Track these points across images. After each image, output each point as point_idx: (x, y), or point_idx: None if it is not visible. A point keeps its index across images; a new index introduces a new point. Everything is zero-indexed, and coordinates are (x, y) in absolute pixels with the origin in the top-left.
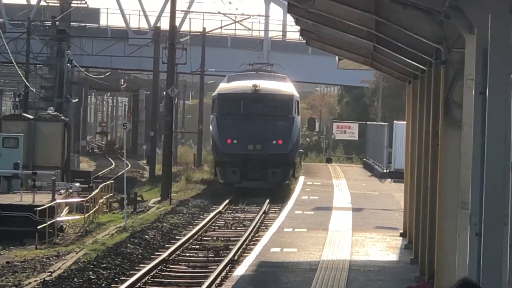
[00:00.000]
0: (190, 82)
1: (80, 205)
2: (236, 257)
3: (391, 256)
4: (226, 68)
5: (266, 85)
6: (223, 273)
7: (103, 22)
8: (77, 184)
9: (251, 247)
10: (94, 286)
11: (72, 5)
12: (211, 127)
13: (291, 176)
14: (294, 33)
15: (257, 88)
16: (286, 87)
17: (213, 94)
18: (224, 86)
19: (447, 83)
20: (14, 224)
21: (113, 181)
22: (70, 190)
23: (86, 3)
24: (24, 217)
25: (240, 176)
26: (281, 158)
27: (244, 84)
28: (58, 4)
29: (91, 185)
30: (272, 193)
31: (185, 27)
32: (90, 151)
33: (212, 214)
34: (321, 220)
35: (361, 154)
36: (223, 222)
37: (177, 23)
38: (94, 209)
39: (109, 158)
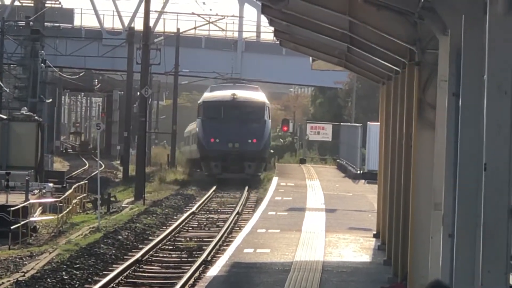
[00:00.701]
0: (164, 83)
1: (53, 206)
2: (209, 258)
3: (364, 257)
4: (200, 68)
5: (243, 94)
6: (196, 274)
7: (77, 22)
8: (51, 185)
9: (225, 247)
10: (67, 287)
11: (46, 5)
12: (197, 129)
13: (263, 169)
14: (268, 34)
15: (235, 97)
16: (259, 96)
17: (198, 102)
18: (208, 95)
19: (420, 84)
20: None
21: (86, 181)
22: (44, 190)
23: (60, 3)
24: None
25: (221, 168)
26: (255, 154)
27: (224, 94)
28: (32, 4)
29: (64, 185)
30: (248, 183)
31: (159, 28)
32: (64, 151)
33: (185, 215)
34: (295, 221)
35: (335, 155)
36: (197, 223)
37: (151, 23)
38: (67, 210)
39: (83, 159)
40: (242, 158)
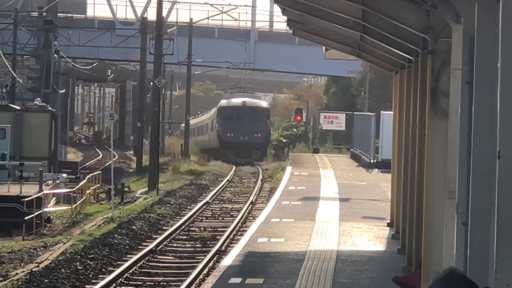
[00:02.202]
0: (177, 73)
1: (67, 196)
2: (223, 248)
3: (378, 246)
4: (213, 58)
5: (250, 101)
6: (211, 264)
7: (90, 12)
8: (64, 175)
9: (239, 237)
10: (81, 277)
11: None
12: (217, 126)
13: (265, 155)
14: (281, 24)
15: (245, 103)
16: (262, 102)
17: (217, 106)
18: (224, 102)
19: (433, 73)
20: (1, 215)
21: (100, 172)
22: (57, 181)
23: None
24: (11, 208)
25: (235, 155)
26: (259, 144)
27: (237, 100)
28: None
29: (78, 176)
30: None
31: (172, 18)
32: (77, 142)
33: (199, 205)
34: (308, 210)
35: (348, 144)
36: (211, 213)
37: (164, 13)
38: (81, 200)
39: (96, 149)
40: (250, 148)
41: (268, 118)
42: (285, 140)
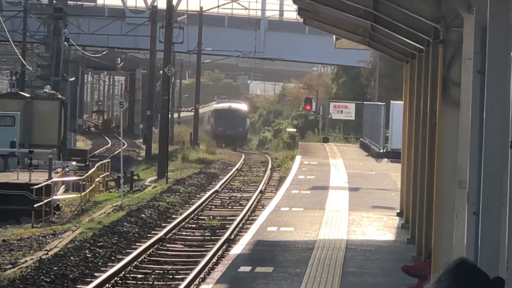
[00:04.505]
0: (187, 61)
1: (76, 184)
2: (232, 236)
3: (388, 235)
4: (223, 47)
5: (234, 105)
6: (220, 252)
7: (100, 0)
8: (74, 163)
9: (248, 226)
10: (90, 265)
11: None
12: (212, 122)
13: (245, 143)
14: (291, 13)
15: (231, 106)
16: (242, 106)
17: (211, 109)
18: (216, 106)
19: (445, 62)
20: (10, 202)
21: (109, 160)
22: (67, 169)
23: None
24: (21, 195)
25: (225, 143)
26: (241, 135)
27: (225, 105)
28: None
29: (87, 163)
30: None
31: (182, 6)
32: (87, 129)
33: (208, 193)
34: (318, 199)
35: (358, 134)
36: (220, 201)
37: (174, 2)
38: (90, 188)
39: (106, 137)
40: (235, 138)
41: (247, 117)
42: (294, 130)
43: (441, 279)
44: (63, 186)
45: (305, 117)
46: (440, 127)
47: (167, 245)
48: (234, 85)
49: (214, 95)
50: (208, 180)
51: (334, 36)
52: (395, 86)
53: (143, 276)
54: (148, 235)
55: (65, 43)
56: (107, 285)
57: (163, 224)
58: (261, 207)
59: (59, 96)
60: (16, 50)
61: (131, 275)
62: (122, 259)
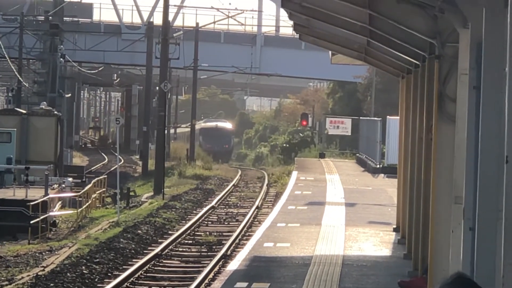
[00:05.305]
0: (183, 77)
1: (73, 200)
2: (229, 252)
3: (384, 251)
4: (219, 63)
5: (220, 124)
6: (216, 268)
7: (96, 17)
8: (70, 179)
9: (244, 242)
10: (87, 281)
11: (65, 0)
12: (200, 139)
13: (229, 157)
14: (287, 28)
15: (217, 125)
16: (228, 125)
17: (199, 128)
18: (204, 124)
19: (440, 77)
20: (7, 219)
21: (106, 176)
22: (63, 185)
23: None
24: (17, 212)
25: (212, 157)
26: (226, 151)
27: (212, 123)
28: None
29: (84, 180)
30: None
31: (178, 22)
32: (83, 146)
33: (205, 209)
34: (314, 215)
35: (354, 149)
36: (216, 217)
37: (170, 18)
38: (87, 204)
39: (102, 153)
40: (222, 153)
41: (232, 134)
42: (294, 144)
43: None
44: (60, 202)
45: (302, 132)
46: (436, 142)
47: (164, 261)
48: (230, 100)
49: (201, 114)
50: (204, 196)
51: (330, 52)
52: (391, 101)
53: None
54: (145, 251)
55: (61, 59)
56: None
57: (159, 240)
58: (257, 222)
59: (55, 112)
60: (12, 67)
61: None
62: (119, 275)
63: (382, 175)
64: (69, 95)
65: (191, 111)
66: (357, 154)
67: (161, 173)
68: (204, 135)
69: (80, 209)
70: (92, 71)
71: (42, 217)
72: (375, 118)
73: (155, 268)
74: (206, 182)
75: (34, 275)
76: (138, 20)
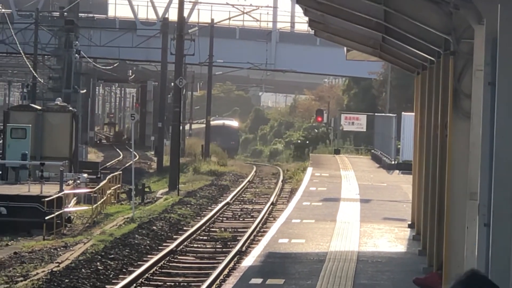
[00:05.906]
0: (198, 73)
1: (87, 196)
2: (244, 248)
3: (399, 247)
4: (234, 59)
5: (227, 122)
6: (231, 264)
7: (111, 13)
8: (85, 175)
9: (259, 238)
10: (102, 277)
11: None
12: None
13: (235, 153)
14: (302, 25)
15: (224, 123)
16: (234, 123)
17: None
18: (212, 122)
19: (455, 74)
20: (22, 215)
21: (121, 172)
22: (78, 181)
23: None
24: (32, 208)
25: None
26: (233, 147)
27: (219, 122)
28: None
29: (99, 176)
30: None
31: (193, 18)
32: (98, 142)
33: (220, 205)
34: (329, 211)
35: (369, 145)
36: (231, 213)
37: (185, 14)
38: (102, 200)
39: (117, 149)
40: (228, 149)
41: (238, 132)
42: (307, 141)
43: None
44: (75, 198)
45: (317, 128)
46: (451, 138)
47: (179, 257)
48: (245, 97)
49: (217, 110)
50: (219, 192)
51: (345, 48)
52: (406, 98)
53: None
54: (160, 247)
55: (76, 55)
56: None
57: (174, 236)
58: (272, 219)
59: (70, 108)
60: (27, 63)
61: (143, 287)
62: (134, 271)
63: (397, 171)
64: (84, 91)
65: (206, 107)
66: (372, 151)
67: (176, 169)
68: (212, 132)
69: (95, 205)
70: (107, 67)
71: (57, 213)
72: (390, 114)
73: (170, 264)
74: (221, 178)
75: (49, 271)
76: (153, 16)
